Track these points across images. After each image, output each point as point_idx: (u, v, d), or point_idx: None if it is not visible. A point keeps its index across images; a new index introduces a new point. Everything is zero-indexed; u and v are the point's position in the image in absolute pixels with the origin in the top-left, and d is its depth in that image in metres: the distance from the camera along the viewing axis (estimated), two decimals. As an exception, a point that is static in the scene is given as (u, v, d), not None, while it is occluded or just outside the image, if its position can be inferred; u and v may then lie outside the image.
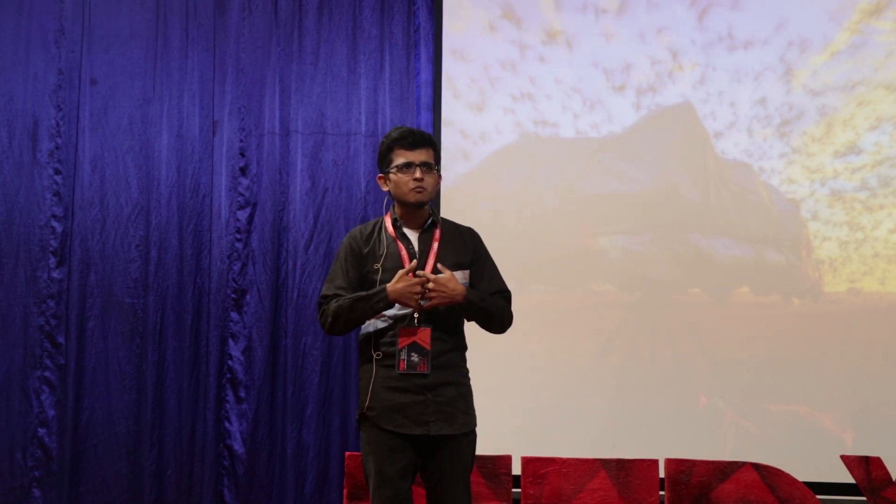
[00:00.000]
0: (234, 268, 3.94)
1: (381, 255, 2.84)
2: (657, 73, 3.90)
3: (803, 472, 3.35)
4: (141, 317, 3.90)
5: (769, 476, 3.24)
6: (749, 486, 3.23)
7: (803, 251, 3.81)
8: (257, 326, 3.92)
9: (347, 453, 3.35)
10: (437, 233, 2.88)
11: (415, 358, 2.76)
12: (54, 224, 3.92)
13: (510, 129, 3.97)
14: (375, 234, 2.90)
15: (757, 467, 3.26)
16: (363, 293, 2.76)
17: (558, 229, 3.90)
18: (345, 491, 3.28)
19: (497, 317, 2.87)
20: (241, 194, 3.98)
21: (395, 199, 2.90)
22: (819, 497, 3.22)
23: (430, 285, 2.70)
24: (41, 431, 3.83)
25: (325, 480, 3.89)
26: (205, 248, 3.97)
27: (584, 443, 3.65)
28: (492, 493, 3.25)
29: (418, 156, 2.85)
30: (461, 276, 2.83)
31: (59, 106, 3.98)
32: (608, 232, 3.88)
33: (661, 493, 3.29)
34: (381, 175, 2.95)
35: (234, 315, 3.93)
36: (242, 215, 3.97)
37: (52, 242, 3.91)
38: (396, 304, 2.75)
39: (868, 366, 3.70)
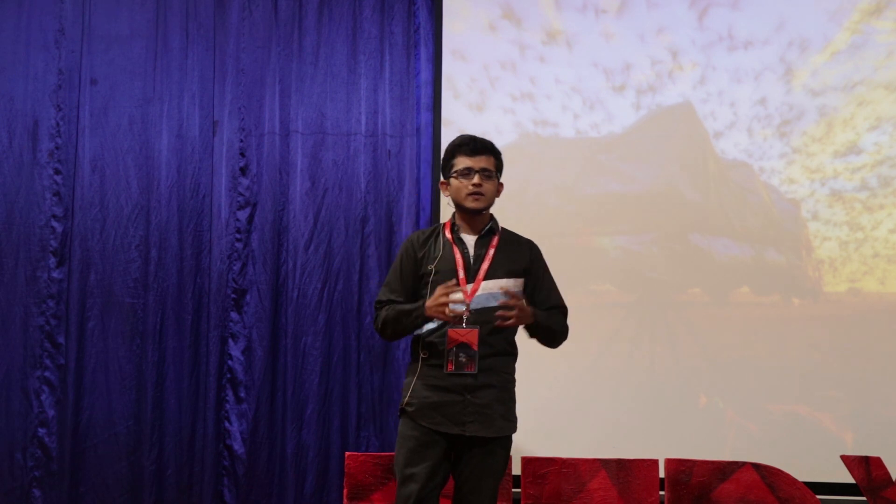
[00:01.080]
0: (234, 268, 3.94)
1: (436, 258, 2.89)
2: (657, 73, 3.90)
3: (803, 472, 3.35)
4: (141, 317, 3.91)
5: (769, 476, 3.24)
6: (749, 486, 3.23)
7: (803, 251, 3.81)
8: (257, 326, 3.92)
9: (347, 453, 3.35)
10: (495, 240, 2.92)
11: (463, 358, 2.79)
12: (54, 224, 3.92)
13: (510, 129, 3.97)
14: (433, 238, 2.95)
15: (757, 467, 3.25)
16: (406, 307, 2.83)
17: (558, 229, 3.90)
18: (345, 491, 3.28)
19: (559, 333, 2.92)
20: (241, 194, 3.98)
21: (454, 204, 2.93)
22: (819, 497, 3.22)
23: (512, 308, 2.73)
24: (41, 431, 3.83)
25: (325, 480, 3.89)
26: (205, 248, 3.97)
27: (584, 443, 3.65)
28: (492, 493, 3.24)
29: (478, 162, 2.88)
30: (514, 284, 2.87)
31: (59, 106, 3.98)
32: (608, 232, 3.88)
33: (661, 493, 3.29)
34: (443, 181, 2.98)
35: (234, 315, 3.93)
36: (242, 215, 3.97)
37: (52, 242, 3.91)
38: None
39: (868, 366, 3.70)
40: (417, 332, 2.85)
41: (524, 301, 2.82)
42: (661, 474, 3.30)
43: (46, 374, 3.86)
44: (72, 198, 3.95)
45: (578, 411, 3.79)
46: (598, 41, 3.94)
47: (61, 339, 3.87)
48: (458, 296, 2.76)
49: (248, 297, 3.95)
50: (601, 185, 3.91)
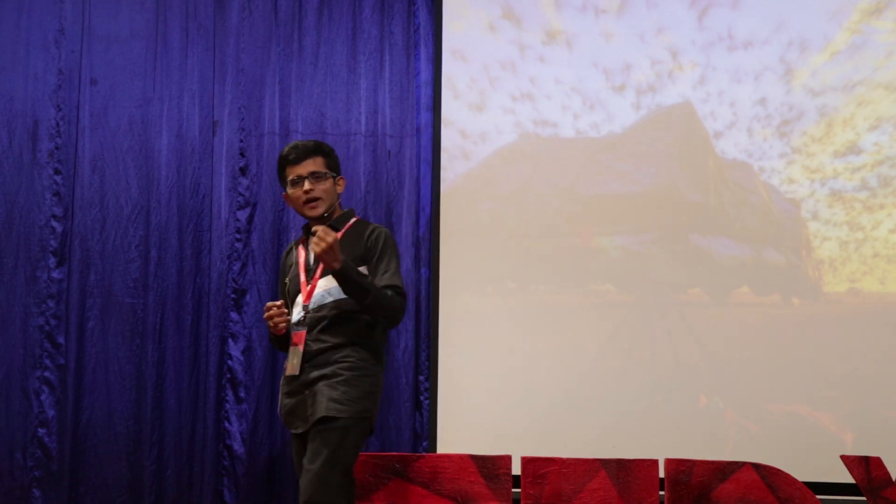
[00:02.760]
0: (234, 268, 3.94)
1: (291, 267, 3.05)
2: (657, 73, 3.90)
3: (803, 472, 3.35)
4: (141, 317, 3.90)
5: (769, 476, 3.23)
6: (749, 486, 3.23)
7: (803, 251, 3.81)
8: (257, 326, 3.92)
9: (347, 453, 3.34)
10: (339, 235, 2.91)
11: (295, 360, 2.87)
12: (54, 224, 3.92)
13: (510, 129, 3.97)
14: (294, 247, 3.10)
15: (757, 467, 3.25)
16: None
17: (558, 229, 3.90)
18: (345, 491, 3.27)
19: (377, 300, 2.81)
20: (241, 194, 3.98)
21: (299, 214, 3.02)
22: (819, 497, 3.22)
23: (318, 235, 2.70)
24: (41, 431, 3.83)
25: (325, 480, 3.88)
26: (205, 248, 3.97)
27: (584, 443, 3.65)
28: (492, 494, 3.25)
29: (305, 168, 2.93)
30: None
31: (59, 106, 3.98)
32: (608, 232, 3.88)
33: (661, 493, 3.29)
34: (284, 193, 3.03)
35: (234, 315, 3.93)
36: (242, 215, 3.97)
37: (52, 242, 3.91)
38: (295, 310, 2.93)
39: (868, 366, 3.70)
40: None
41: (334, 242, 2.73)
42: (661, 474, 3.30)
43: (46, 374, 3.86)
44: (72, 198, 3.95)
45: (578, 411, 3.79)
46: (598, 41, 3.94)
47: (61, 339, 3.87)
48: (272, 311, 2.85)
49: (248, 297, 3.94)
50: (601, 185, 3.91)
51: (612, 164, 3.91)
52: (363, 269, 2.90)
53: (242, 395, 3.90)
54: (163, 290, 3.92)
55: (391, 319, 2.93)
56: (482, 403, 3.83)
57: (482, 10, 4.00)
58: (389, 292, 2.87)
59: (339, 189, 3.03)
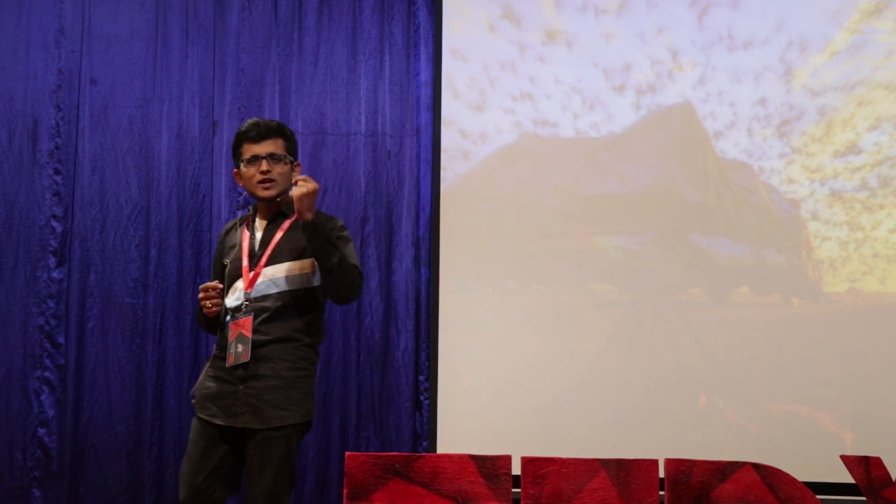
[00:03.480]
0: (234, 268, 3.94)
1: (232, 249, 2.91)
2: (657, 73, 3.90)
3: (803, 472, 3.34)
4: (141, 317, 3.90)
5: (769, 476, 3.23)
6: (749, 486, 3.23)
7: (803, 251, 3.81)
8: (257, 326, 3.92)
9: (347, 453, 3.33)
10: (287, 223, 2.86)
11: (240, 348, 2.75)
12: (54, 224, 3.92)
13: (510, 129, 3.97)
14: (233, 230, 2.96)
15: (757, 467, 3.25)
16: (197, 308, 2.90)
17: (558, 229, 3.90)
18: (345, 491, 3.28)
19: (342, 264, 2.74)
20: (241, 194, 3.98)
21: (249, 194, 2.91)
22: (819, 497, 3.22)
23: (303, 178, 2.66)
24: (41, 431, 3.83)
25: (325, 480, 3.89)
26: (205, 248, 3.97)
27: (584, 443, 3.65)
28: (492, 494, 3.25)
29: (264, 147, 2.83)
30: (299, 267, 2.80)
31: (59, 106, 3.98)
32: (608, 232, 3.88)
33: (661, 493, 3.29)
34: (235, 170, 2.93)
35: (234, 315, 3.92)
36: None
37: (52, 242, 3.91)
38: (233, 296, 2.83)
39: (868, 366, 3.70)
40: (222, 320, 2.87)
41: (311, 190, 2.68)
42: (661, 474, 3.30)
43: (46, 374, 3.86)
44: (72, 198, 3.95)
45: (579, 411, 3.79)
46: (598, 41, 3.94)
47: (61, 339, 3.87)
48: (208, 293, 2.79)
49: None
50: (601, 185, 3.91)
51: (612, 164, 3.91)
52: (301, 264, 2.83)
53: (242, 395, 3.90)
54: (163, 290, 3.92)
55: (350, 292, 2.81)
56: (482, 403, 3.83)
57: (482, 10, 4.00)
58: (351, 262, 2.82)
59: (295, 175, 2.91)
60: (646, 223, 3.86)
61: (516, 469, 3.38)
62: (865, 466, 3.15)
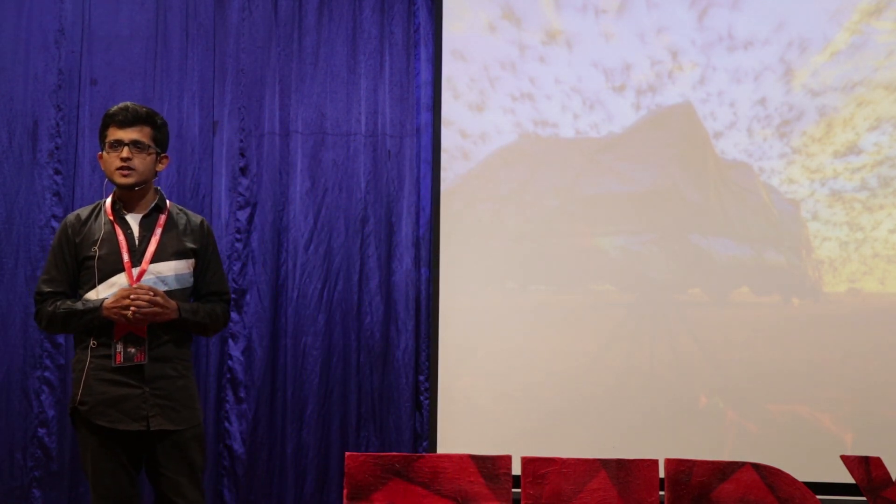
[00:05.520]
0: (234, 268, 3.94)
1: (97, 240, 2.73)
2: (657, 73, 3.90)
3: (803, 472, 3.34)
4: (141, 317, 3.90)
5: (769, 476, 3.23)
6: (749, 486, 3.23)
7: (803, 251, 3.81)
8: (257, 326, 3.92)
9: (347, 453, 3.34)
10: (162, 219, 2.79)
11: (131, 349, 2.66)
12: (54, 224, 3.92)
13: (510, 129, 3.97)
14: (92, 219, 2.78)
15: (757, 467, 3.25)
16: (77, 308, 2.67)
17: (558, 229, 3.90)
18: (345, 491, 3.28)
19: (211, 327, 2.84)
20: (241, 194, 3.98)
21: (108, 179, 2.81)
22: (819, 497, 3.22)
23: (141, 298, 2.60)
24: (41, 431, 3.83)
25: (325, 480, 3.89)
26: (205, 248, 3.97)
27: (584, 443, 3.65)
28: (492, 494, 3.25)
29: (129, 134, 2.75)
30: (185, 266, 2.77)
31: (59, 106, 3.98)
32: (608, 232, 3.88)
33: (662, 493, 3.29)
34: (99, 153, 2.84)
35: (234, 315, 3.92)
36: (242, 215, 3.97)
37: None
38: (108, 290, 2.68)
39: (868, 366, 3.70)
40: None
41: (162, 298, 2.68)
42: (662, 474, 3.29)
43: (46, 374, 3.86)
44: (72, 198, 3.94)
45: (579, 411, 3.79)
46: (598, 41, 3.93)
47: (61, 339, 3.86)
48: (146, 297, 2.64)
49: (248, 297, 3.94)
50: (601, 185, 3.91)
51: (612, 164, 3.91)
52: (187, 263, 2.79)
53: (242, 395, 3.90)
54: (163, 290, 3.92)
55: (217, 332, 3.00)
56: (482, 403, 3.83)
57: (482, 11, 4.00)
58: (219, 307, 2.86)
59: (160, 167, 2.85)
60: (646, 223, 3.86)
61: (516, 469, 3.38)
62: (865, 466, 3.15)
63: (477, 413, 3.82)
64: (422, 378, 3.92)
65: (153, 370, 2.69)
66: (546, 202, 3.93)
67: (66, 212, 3.92)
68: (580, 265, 3.88)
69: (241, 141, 4.00)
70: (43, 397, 3.85)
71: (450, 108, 3.98)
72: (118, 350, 2.66)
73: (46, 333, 2.83)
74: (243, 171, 4.00)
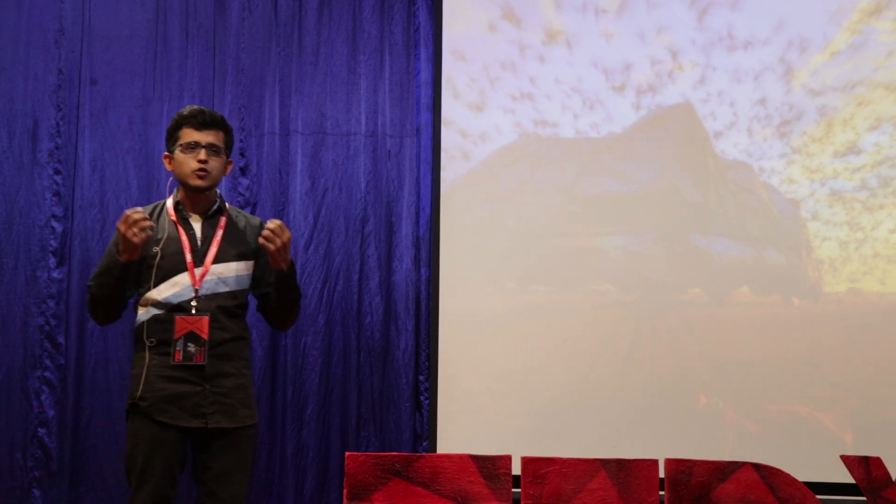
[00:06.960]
0: (234, 268, 3.94)
1: (161, 239, 2.74)
2: (657, 73, 3.90)
3: (803, 472, 3.34)
4: (141, 317, 3.90)
5: (769, 476, 3.23)
6: (749, 486, 3.23)
7: (803, 251, 3.81)
8: (257, 326, 3.91)
9: (347, 453, 3.33)
10: (223, 221, 2.82)
11: (191, 348, 2.67)
12: (54, 224, 3.92)
13: (510, 129, 3.97)
14: (154, 218, 2.79)
15: (757, 467, 3.25)
16: (102, 264, 2.72)
17: (558, 229, 3.90)
18: (345, 491, 3.28)
19: (298, 303, 2.89)
20: (241, 194, 3.98)
21: (178, 180, 2.81)
22: (819, 497, 3.22)
23: (274, 231, 2.66)
24: (41, 431, 3.83)
25: (325, 480, 3.89)
26: (205, 248, 3.97)
27: (584, 443, 3.65)
28: (492, 494, 3.25)
29: (206, 136, 2.76)
30: (245, 268, 2.80)
31: (59, 106, 3.98)
32: (608, 232, 3.88)
33: (662, 493, 3.29)
34: (166, 154, 2.84)
35: (234, 315, 3.92)
36: (242, 215, 3.97)
37: (52, 242, 3.91)
38: (171, 290, 2.69)
39: (868, 366, 3.70)
40: (141, 319, 2.72)
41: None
42: (662, 474, 3.30)
43: (46, 374, 3.86)
44: (72, 198, 3.94)
45: (578, 411, 3.79)
46: (598, 41, 3.93)
47: (61, 339, 3.86)
48: (139, 214, 2.62)
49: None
50: (601, 185, 3.91)
51: (612, 164, 3.91)
52: (247, 265, 2.84)
53: (242, 395, 3.90)
54: (163, 290, 3.92)
55: (292, 324, 3.00)
56: (482, 403, 3.83)
57: (482, 11, 4.00)
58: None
59: (226, 172, 2.88)
60: (646, 223, 3.86)
61: (516, 469, 3.38)
62: (865, 466, 3.15)
63: (477, 413, 3.82)
64: (422, 378, 3.92)
65: (213, 368, 2.70)
66: (546, 202, 3.93)
67: (66, 212, 3.93)
68: (580, 265, 3.88)
69: (241, 141, 4.00)
70: (43, 397, 3.84)
71: (450, 108, 3.98)
72: (178, 348, 2.68)
73: (103, 318, 2.81)
74: (243, 170, 4.00)
